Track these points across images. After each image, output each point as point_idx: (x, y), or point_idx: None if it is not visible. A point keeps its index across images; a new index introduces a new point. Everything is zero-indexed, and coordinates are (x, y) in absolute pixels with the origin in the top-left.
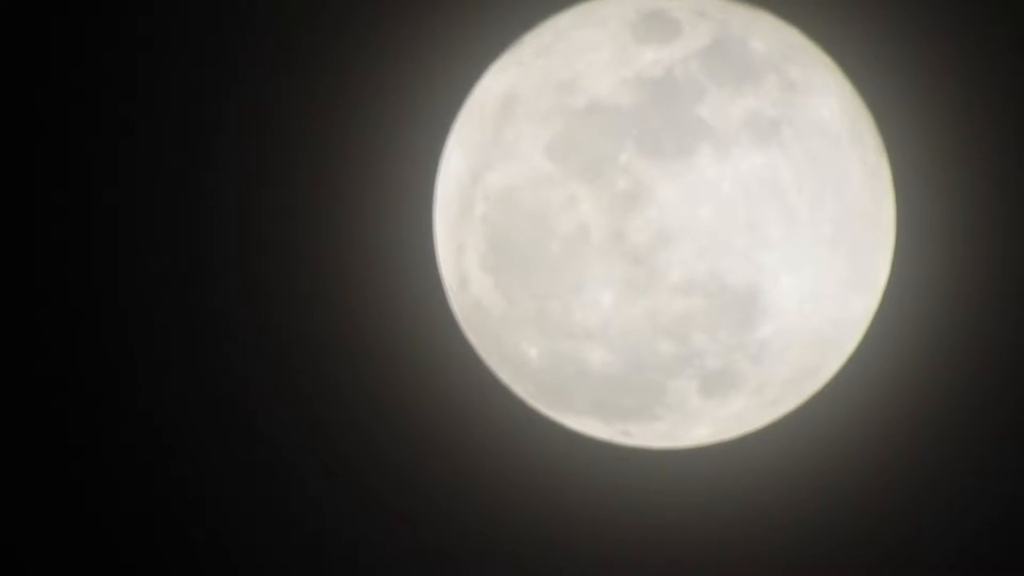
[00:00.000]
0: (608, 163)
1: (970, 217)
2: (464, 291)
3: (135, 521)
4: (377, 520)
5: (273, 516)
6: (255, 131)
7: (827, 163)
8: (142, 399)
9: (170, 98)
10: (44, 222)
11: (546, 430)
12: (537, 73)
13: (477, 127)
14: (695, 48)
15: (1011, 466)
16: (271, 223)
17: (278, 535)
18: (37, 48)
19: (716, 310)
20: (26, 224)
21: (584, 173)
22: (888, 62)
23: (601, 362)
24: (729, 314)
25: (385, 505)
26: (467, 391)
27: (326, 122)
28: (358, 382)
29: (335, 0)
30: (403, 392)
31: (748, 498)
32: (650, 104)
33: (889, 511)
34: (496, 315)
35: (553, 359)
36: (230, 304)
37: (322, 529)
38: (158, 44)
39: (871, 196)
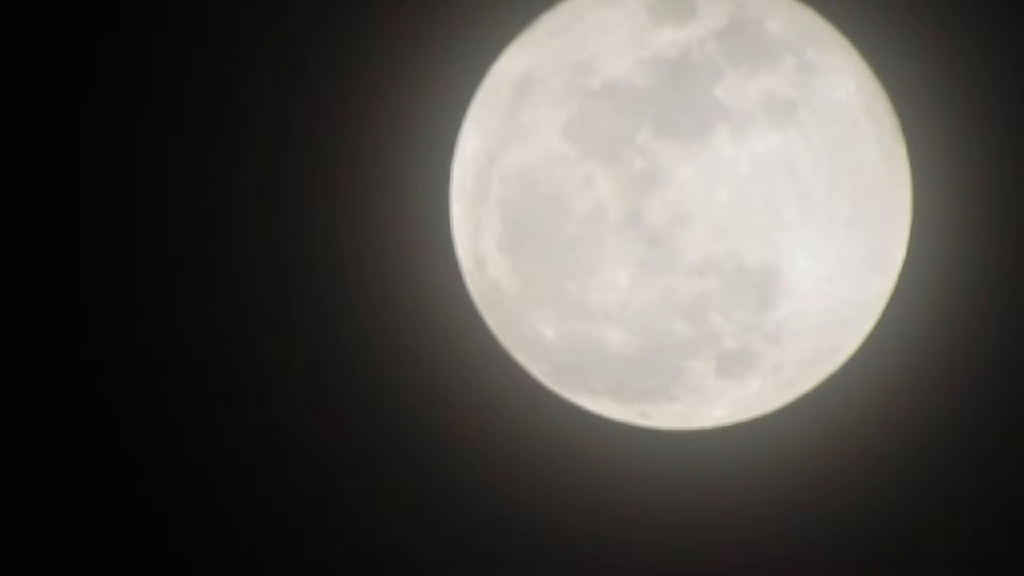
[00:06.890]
0: (625, 144)
1: (986, 198)
2: (481, 272)
3: (152, 518)
4: (392, 501)
5: (285, 501)
6: (269, 118)
7: (844, 144)
8: (152, 391)
9: (190, 73)
10: (59, 223)
11: (563, 411)
12: (554, 54)
13: (494, 108)
14: (712, 29)
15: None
16: (287, 207)
17: (289, 517)
18: (48, 47)
19: (733, 291)
20: (43, 226)
21: (601, 154)
22: (905, 43)
23: (618, 343)
24: (746, 295)
25: (400, 486)
26: (484, 372)
27: (343, 104)
28: (375, 364)
29: None
30: (420, 373)
31: (764, 479)
32: (667, 85)
33: (904, 493)
34: (513, 296)
35: (570, 340)
36: (245, 291)
37: (335, 510)
38: (178, 23)
39: (887, 177)
